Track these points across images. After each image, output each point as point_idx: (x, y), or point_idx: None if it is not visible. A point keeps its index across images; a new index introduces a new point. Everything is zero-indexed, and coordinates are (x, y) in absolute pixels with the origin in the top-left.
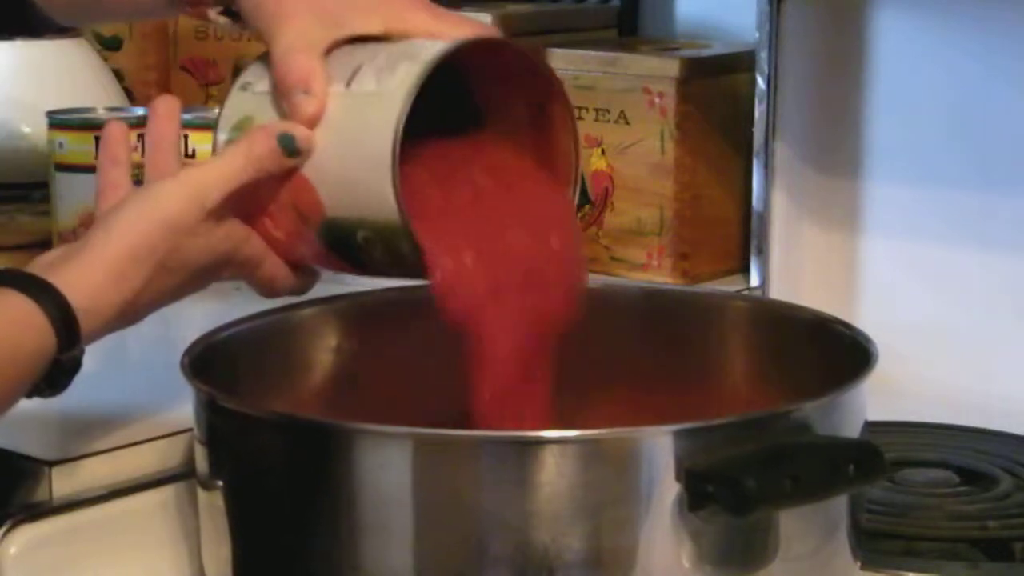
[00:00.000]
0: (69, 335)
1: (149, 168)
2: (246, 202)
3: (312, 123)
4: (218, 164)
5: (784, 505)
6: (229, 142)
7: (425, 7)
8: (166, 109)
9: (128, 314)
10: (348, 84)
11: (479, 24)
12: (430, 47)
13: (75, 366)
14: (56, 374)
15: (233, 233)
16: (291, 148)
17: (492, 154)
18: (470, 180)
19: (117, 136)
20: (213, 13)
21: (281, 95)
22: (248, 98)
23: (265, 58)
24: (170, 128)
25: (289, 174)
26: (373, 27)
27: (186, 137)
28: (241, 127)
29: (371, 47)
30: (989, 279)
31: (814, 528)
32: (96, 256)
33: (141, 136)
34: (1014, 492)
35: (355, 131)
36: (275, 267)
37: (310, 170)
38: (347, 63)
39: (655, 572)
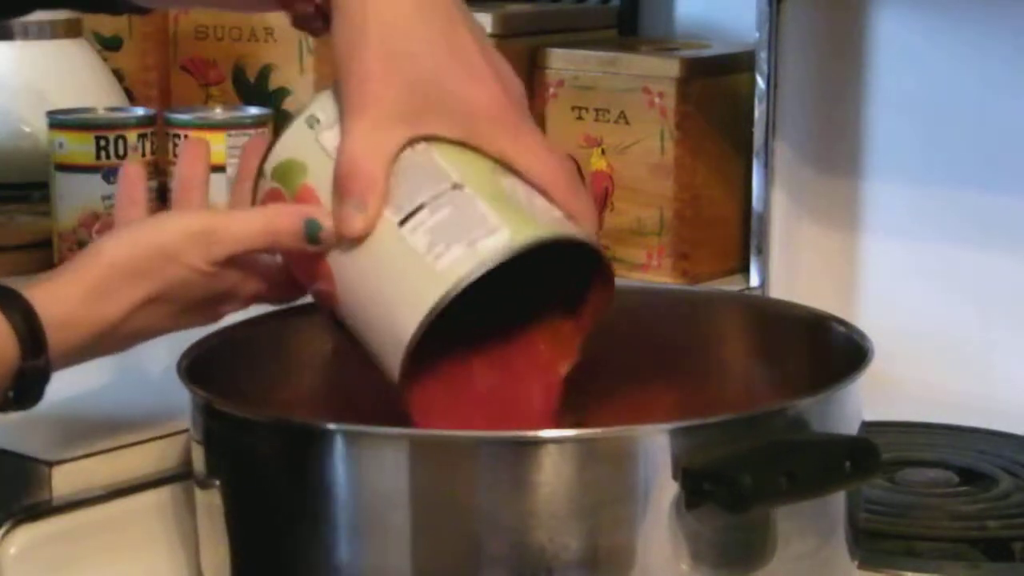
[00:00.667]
0: (34, 345)
1: (176, 207)
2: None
3: (353, 241)
4: (236, 221)
5: (780, 502)
6: (275, 174)
7: (507, 128)
8: (195, 151)
9: (113, 337)
10: (401, 222)
11: (550, 156)
12: (492, 238)
13: (41, 379)
14: (22, 386)
15: (237, 275)
16: (314, 237)
17: (509, 345)
18: (475, 380)
19: (135, 178)
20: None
21: (335, 191)
22: (311, 143)
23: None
24: (199, 169)
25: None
26: (453, 134)
27: (185, 137)
28: (291, 169)
29: (441, 179)
30: (989, 279)
31: (812, 527)
32: (79, 271)
33: (143, 136)
34: (1014, 492)
35: (388, 279)
36: (279, 292)
37: (336, 266)
38: (410, 189)
39: (653, 571)
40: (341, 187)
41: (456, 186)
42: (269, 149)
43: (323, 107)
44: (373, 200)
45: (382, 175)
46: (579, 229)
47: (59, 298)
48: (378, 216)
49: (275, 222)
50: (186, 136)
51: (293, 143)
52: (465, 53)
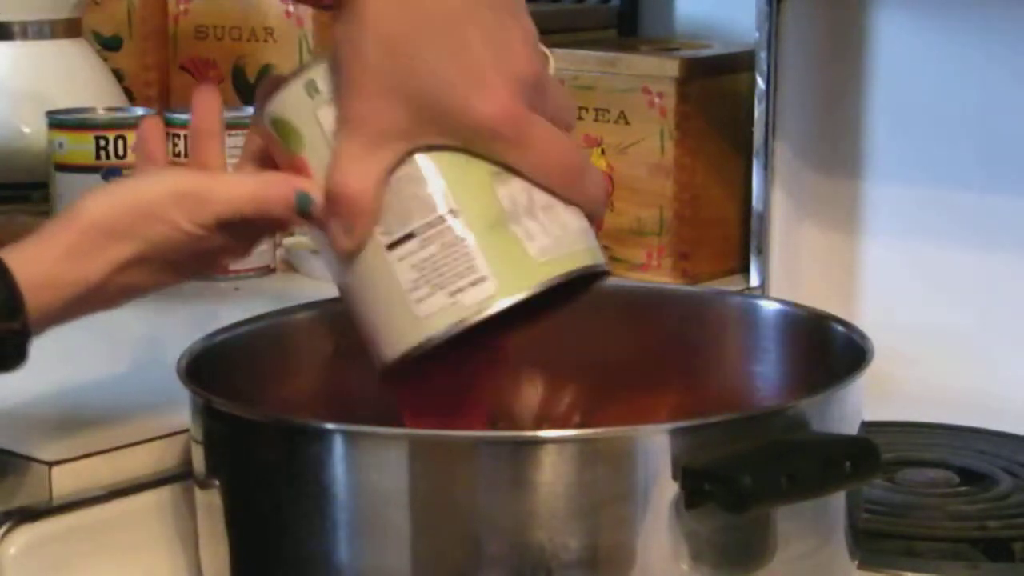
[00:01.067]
0: (11, 307)
1: (193, 160)
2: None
3: (342, 258)
4: (224, 184)
5: (780, 502)
6: (274, 126)
7: (510, 135)
8: (207, 100)
9: (98, 296)
10: (390, 246)
11: (553, 149)
12: (477, 290)
13: (21, 341)
14: (1, 349)
15: (226, 236)
16: (305, 211)
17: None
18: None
19: (152, 132)
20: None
21: (326, 206)
22: (308, 114)
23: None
24: (213, 118)
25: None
26: (448, 142)
27: (186, 137)
28: (288, 132)
29: (435, 203)
30: (989, 279)
31: (812, 527)
32: (58, 230)
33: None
34: (1014, 492)
35: (372, 300)
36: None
37: (327, 254)
38: (402, 210)
39: (653, 571)
40: (331, 205)
41: (449, 214)
42: (268, 96)
43: (324, 76)
44: (360, 225)
45: (371, 200)
46: (573, 260)
47: (36, 259)
48: (366, 237)
49: (266, 190)
50: (186, 136)
51: (291, 105)
52: (471, 60)
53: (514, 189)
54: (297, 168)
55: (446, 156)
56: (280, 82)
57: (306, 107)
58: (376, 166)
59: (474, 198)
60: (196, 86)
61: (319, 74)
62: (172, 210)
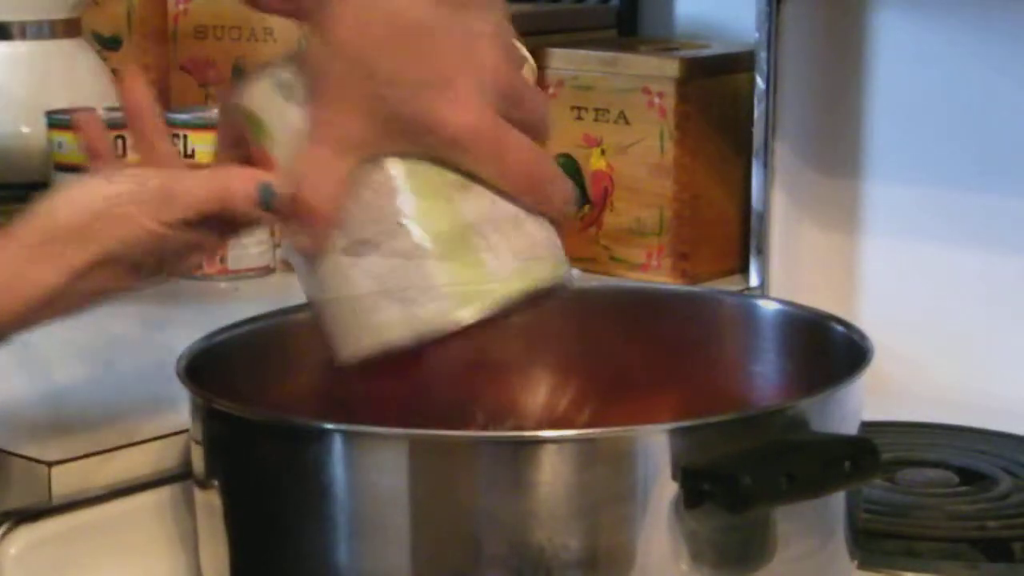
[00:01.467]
0: None
1: (136, 145)
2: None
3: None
4: (186, 182)
5: (780, 502)
6: (245, 117)
7: (477, 146)
8: (129, 82)
9: (63, 301)
10: (349, 254)
11: (519, 156)
12: (432, 306)
13: None
14: None
15: (193, 234)
16: (268, 203)
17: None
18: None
19: (91, 129)
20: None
21: (291, 207)
22: (278, 111)
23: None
24: (140, 96)
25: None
26: (415, 151)
27: (185, 137)
28: (257, 125)
29: (395, 212)
30: (989, 279)
31: (811, 527)
32: (15, 236)
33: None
34: (1014, 492)
35: (331, 302)
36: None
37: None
38: (362, 217)
39: (653, 571)
40: (293, 207)
41: (409, 224)
42: (239, 86)
43: (294, 77)
44: (319, 229)
45: (330, 206)
46: (532, 276)
47: None
48: (326, 240)
49: (229, 186)
50: (185, 136)
51: (259, 100)
52: (435, 69)
53: (479, 200)
54: (263, 160)
55: (411, 165)
56: (253, 74)
57: (275, 104)
58: (337, 173)
59: (436, 209)
60: (119, 74)
61: (289, 73)
62: (133, 210)
